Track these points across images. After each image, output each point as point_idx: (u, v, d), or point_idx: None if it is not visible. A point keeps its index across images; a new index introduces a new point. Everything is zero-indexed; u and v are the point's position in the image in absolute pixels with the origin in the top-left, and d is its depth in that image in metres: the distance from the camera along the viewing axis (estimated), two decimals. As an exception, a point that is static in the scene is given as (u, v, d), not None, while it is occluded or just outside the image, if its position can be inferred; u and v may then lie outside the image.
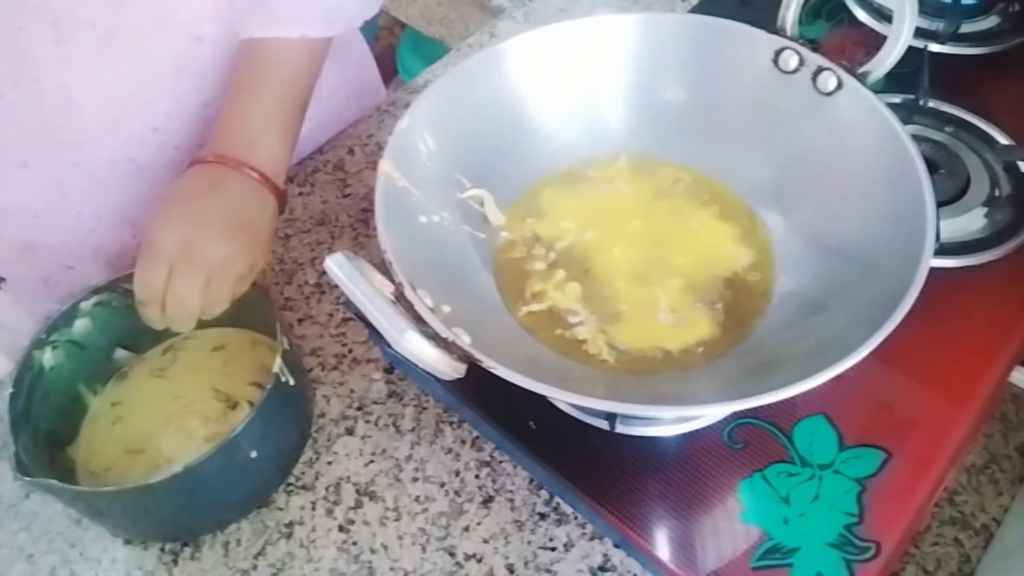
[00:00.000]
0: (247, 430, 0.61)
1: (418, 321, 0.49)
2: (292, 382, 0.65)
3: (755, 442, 0.61)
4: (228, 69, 0.79)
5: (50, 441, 0.66)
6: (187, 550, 0.67)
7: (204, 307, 0.65)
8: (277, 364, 0.63)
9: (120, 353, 0.73)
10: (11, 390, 0.64)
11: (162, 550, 0.67)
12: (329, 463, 0.70)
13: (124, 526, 0.67)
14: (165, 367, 0.71)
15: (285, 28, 0.73)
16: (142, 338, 0.73)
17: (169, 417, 0.70)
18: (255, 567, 0.65)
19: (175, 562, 0.66)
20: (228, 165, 0.69)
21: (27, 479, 0.59)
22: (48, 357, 0.67)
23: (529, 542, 0.65)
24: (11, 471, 0.59)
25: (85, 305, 0.69)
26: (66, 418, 0.70)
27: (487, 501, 0.67)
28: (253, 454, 0.64)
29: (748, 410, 0.62)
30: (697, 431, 0.62)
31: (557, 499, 0.67)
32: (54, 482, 0.59)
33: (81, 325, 0.69)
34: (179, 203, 0.67)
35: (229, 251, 0.65)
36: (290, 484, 0.69)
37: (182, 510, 0.64)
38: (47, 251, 0.84)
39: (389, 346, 0.49)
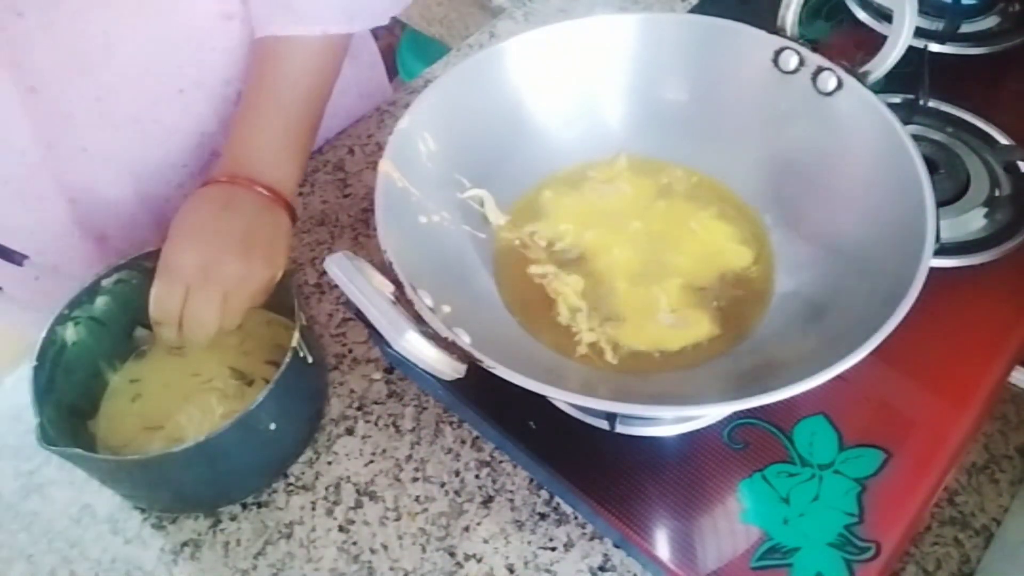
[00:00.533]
0: (266, 403, 0.62)
1: (418, 321, 0.49)
2: (310, 359, 0.67)
3: (755, 442, 0.61)
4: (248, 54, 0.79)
5: (72, 415, 0.67)
6: (187, 550, 0.67)
7: (221, 325, 0.66)
8: (295, 339, 0.64)
9: (140, 332, 0.73)
10: (35, 363, 0.65)
11: (162, 550, 0.67)
12: (329, 463, 0.70)
13: (145, 496, 0.68)
14: (182, 345, 0.72)
15: (307, 25, 0.73)
16: None
17: (187, 394, 0.70)
18: (255, 567, 0.65)
19: (175, 562, 0.66)
20: (240, 184, 0.69)
21: (52, 448, 0.60)
22: (71, 333, 0.68)
23: (529, 542, 0.65)
24: (35, 441, 0.60)
25: (107, 283, 0.70)
26: (87, 393, 0.70)
27: (487, 501, 0.67)
28: (272, 427, 0.65)
29: (748, 410, 0.62)
30: (697, 431, 0.62)
31: (557, 499, 0.67)
32: (79, 451, 0.61)
33: (102, 302, 0.70)
34: (193, 224, 0.67)
35: (244, 270, 0.66)
36: (290, 484, 0.69)
37: (203, 481, 0.66)
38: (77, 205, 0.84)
39: (389, 346, 0.49)
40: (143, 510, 0.69)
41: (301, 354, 0.65)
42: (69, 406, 0.67)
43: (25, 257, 0.73)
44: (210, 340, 0.67)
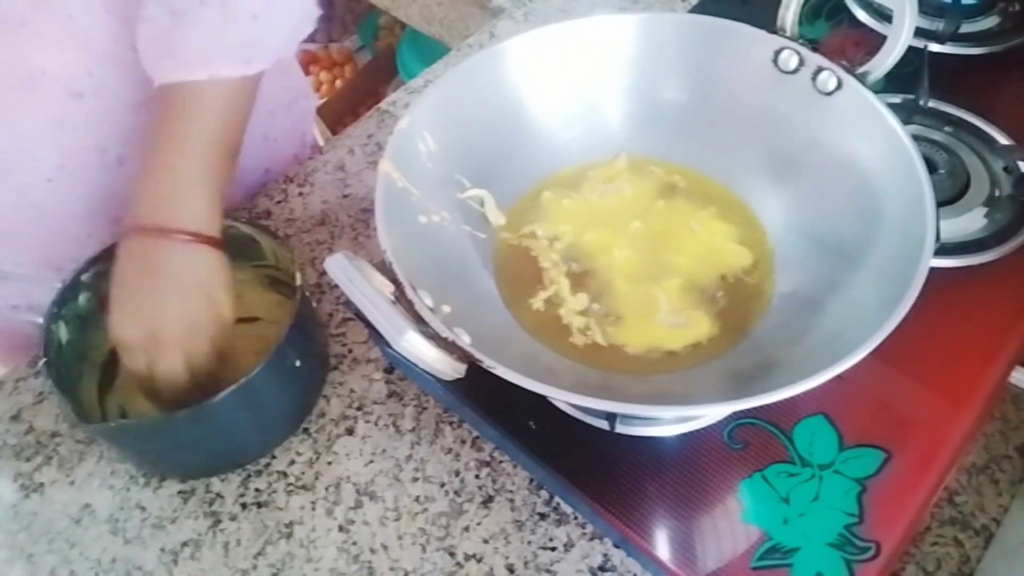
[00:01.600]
0: (290, 337, 0.65)
1: (418, 321, 0.49)
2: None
3: (755, 442, 0.62)
4: (124, 117, 0.77)
5: (81, 407, 0.68)
6: (187, 550, 0.67)
7: (191, 374, 0.66)
8: (299, 279, 0.67)
9: None
10: (43, 359, 0.65)
11: (162, 550, 0.67)
12: (329, 463, 0.70)
13: (183, 459, 0.70)
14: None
15: (194, 71, 0.68)
16: None
17: None
18: (255, 567, 0.65)
19: (175, 562, 0.66)
20: (154, 236, 0.66)
21: (95, 425, 0.65)
22: (63, 331, 0.69)
23: (529, 542, 0.65)
24: (71, 425, 0.64)
25: (85, 277, 0.71)
26: (89, 387, 0.71)
27: (487, 501, 0.67)
28: (297, 363, 0.68)
29: (748, 410, 0.62)
30: (697, 431, 0.62)
31: (557, 499, 0.67)
32: (125, 421, 0.64)
33: (84, 299, 0.71)
34: (123, 297, 0.66)
35: (190, 319, 0.65)
36: (290, 484, 0.69)
37: (242, 428, 0.68)
38: None
39: (389, 346, 0.49)
40: (143, 508, 0.69)
41: (307, 293, 0.68)
42: (78, 398, 0.68)
43: None
44: (190, 386, 0.66)
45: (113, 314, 0.65)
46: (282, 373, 0.67)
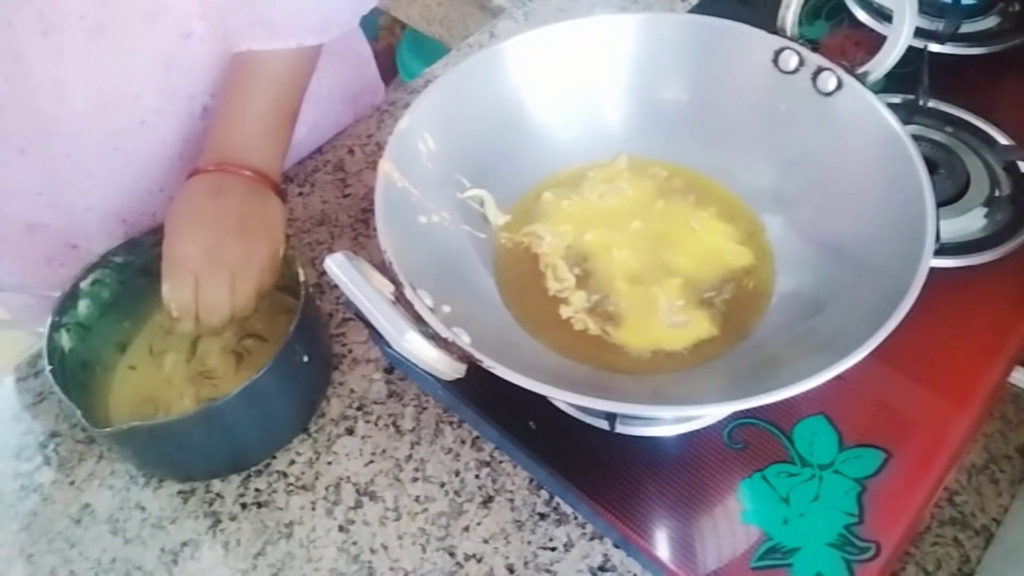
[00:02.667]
0: (297, 332, 0.65)
1: (418, 321, 0.49)
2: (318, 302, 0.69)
3: (755, 442, 0.61)
4: (217, 67, 0.79)
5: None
6: (187, 550, 0.67)
7: (234, 308, 0.67)
8: (302, 275, 0.67)
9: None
10: (49, 367, 0.65)
11: (162, 550, 0.67)
12: (329, 463, 0.70)
13: (194, 461, 0.70)
14: (200, 334, 0.73)
15: (282, 39, 0.74)
16: (140, 306, 0.75)
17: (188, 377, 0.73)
18: (255, 567, 0.65)
19: (175, 562, 0.66)
20: (227, 171, 0.70)
21: (107, 430, 0.64)
22: (65, 339, 0.69)
23: (529, 542, 0.65)
24: (84, 431, 0.65)
25: (84, 284, 0.71)
26: (91, 394, 0.71)
27: (487, 501, 0.67)
28: (304, 359, 0.68)
29: (748, 410, 0.62)
30: (697, 431, 0.62)
31: (557, 499, 0.67)
32: (136, 423, 0.63)
33: (84, 306, 0.71)
34: (188, 214, 0.68)
35: (247, 249, 0.67)
36: (290, 484, 0.69)
37: (253, 426, 0.69)
38: (50, 231, 0.85)
39: (389, 346, 0.49)
40: (143, 508, 0.69)
41: (310, 289, 0.68)
42: (83, 404, 0.68)
43: None
44: (225, 323, 0.68)
45: (171, 232, 0.67)
46: (290, 369, 0.68)
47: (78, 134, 0.77)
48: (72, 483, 0.71)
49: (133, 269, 0.73)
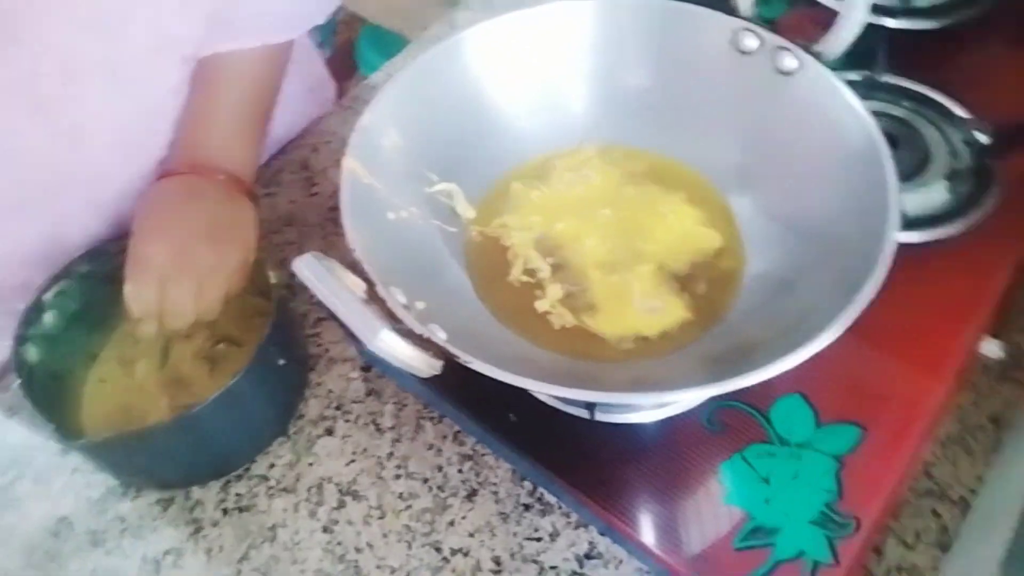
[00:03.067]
0: (273, 336, 0.65)
1: (392, 319, 0.49)
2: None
3: (734, 424, 0.62)
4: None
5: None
6: (169, 558, 0.66)
7: (199, 312, 0.66)
8: (273, 277, 0.67)
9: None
10: (18, 381, 0.65)
11: (144, 559, 0.66)
12: (310, 464, 0.70)
13: (173, 467, 0.69)
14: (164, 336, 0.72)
15: (246, 39, 0.73)
16: (108, 315, 0.74)
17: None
18: (239, 572, 0.65)
19: (157, 571, 0.66)
20: (199, 174, 0.69)
21: (82, 441, 0.65)
22: (32, 352, 0.68)
23: (515, 533, 0.65)
24: (58, 443, 0.65)
25: (47, 296, 0.70)
26: (62, 406, 0.70)
27: (471, 495, 0.67)
28: (281, 362, 0.68)
29: (726, 392, 0.63)
30: (676, 416, 0.63)
31: (541, 490, 0.67)
32: (115, 433, 0.63)
33: (49, 318, 0.70)
34: (158, 215, 0.67)
35: (217, 254, 0.66)
36: (271, 487, 0.69)
37: (233, 430, 0.68)
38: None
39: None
40: (123, 519, 0.68)
41: (284, 292, 0.68)
42: (55, 416, 0.67)
43: None
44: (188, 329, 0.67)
45: (139, 233, 0.66)
46: (267, 373, 0.67)
47: (97, 179, 0.76)
48: (48, 496, 0.70)
49: (98, 278, 0.72)
